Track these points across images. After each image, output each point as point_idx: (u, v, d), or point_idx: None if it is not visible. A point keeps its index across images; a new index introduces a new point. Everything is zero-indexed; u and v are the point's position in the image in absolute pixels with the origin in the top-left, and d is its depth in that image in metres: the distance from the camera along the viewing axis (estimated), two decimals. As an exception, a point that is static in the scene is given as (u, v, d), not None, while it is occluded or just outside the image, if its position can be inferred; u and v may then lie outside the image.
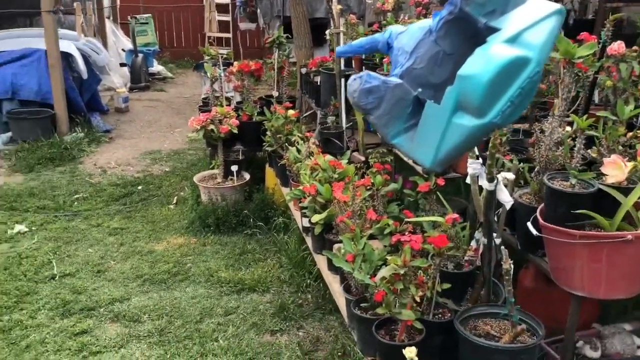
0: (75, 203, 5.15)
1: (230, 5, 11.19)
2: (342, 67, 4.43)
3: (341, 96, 4.40)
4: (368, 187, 3.15)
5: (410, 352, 1.99)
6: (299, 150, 4.03)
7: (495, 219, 2.28)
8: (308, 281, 3.69)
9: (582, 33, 2.85)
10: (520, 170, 2.63)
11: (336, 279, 3.05)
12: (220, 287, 3.80)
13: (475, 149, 2.20)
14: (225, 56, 5.94)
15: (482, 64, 1.71)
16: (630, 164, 2.17)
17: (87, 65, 7.35)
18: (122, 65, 9.58)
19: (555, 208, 2.23)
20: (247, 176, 4.94)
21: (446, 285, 2.34)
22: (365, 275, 2.50)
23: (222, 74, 5.20)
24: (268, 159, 4.82)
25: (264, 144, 4.58)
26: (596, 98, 3.32)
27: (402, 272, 2.21)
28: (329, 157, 3.65)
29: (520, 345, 2.02)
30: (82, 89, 7.30)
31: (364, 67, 4.61)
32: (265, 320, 3.43)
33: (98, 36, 9.51)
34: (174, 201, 5.18)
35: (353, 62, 4.88)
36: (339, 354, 3.05)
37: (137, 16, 10.09)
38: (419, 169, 3.25)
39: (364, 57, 4.74)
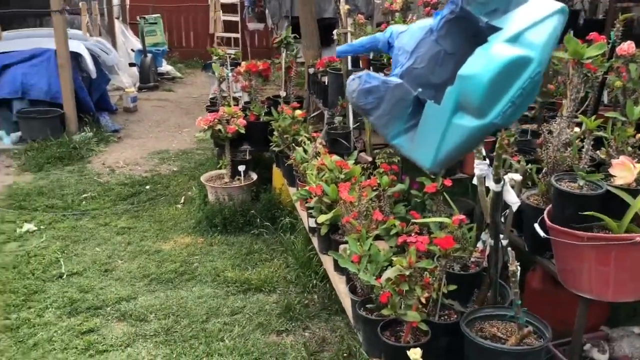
0: (84, 202, 5.17)
1: (238, 5, 11.22)
2: (350, 67, 4.42)
3: (348, 96, 4.38)
4: (374, 188, 3.14)
5: (414, 353, 1.98)
6: (305, 151, 4.03)
7: (503, 220, 2.26)
8: (314, 281, 3.68)
9: (591, 33, 2.83)
10: (528, 172, 2.61)
11: (342, 280, 3.05)
12: (226, 286, 3.80)
13: (483, 150, 2.18)
14: (233, 56, 5.95)
15: (482, 63, 1.69)
16: (639, 165, 2.15)
17: (96, 65, 7.39)
18: (131, 65, 9.62)
19: (563, 209, 2.22)
20: (254, 176, 4.94)
21: (452, 287, 2.32)
22: (370, 276, 2.49)
23: (230, 74, 5.21)
24: (275, 159, 4.82)
25: (271, 144, 4.58)
26: (605, 99, 3.29)
27: (407, 273, 2.20)
28: (335, 157, 3.65)
29: (527, 348, 2.00)
30: (91, 88, 7.34)
31: (371, 67, 4.60)
32: (271, 320, 3.43)
33: (108, 36, 9.57)
34: (182, 201, 5.19)
35: (361, 62, 4.88)
36: (345, 355, 3.04)
37: (146, 16, 10.13)
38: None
39: (371, 57, 4.74)
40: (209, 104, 6.07)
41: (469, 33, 1.82)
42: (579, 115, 2.57)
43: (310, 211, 3.47)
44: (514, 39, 1.72)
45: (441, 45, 1.85)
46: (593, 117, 2.45)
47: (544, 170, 2.58)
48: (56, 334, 3.30)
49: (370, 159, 3.88)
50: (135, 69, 9.57)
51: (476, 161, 2.17)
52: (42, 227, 4.66)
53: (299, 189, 3.71)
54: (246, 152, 5.08)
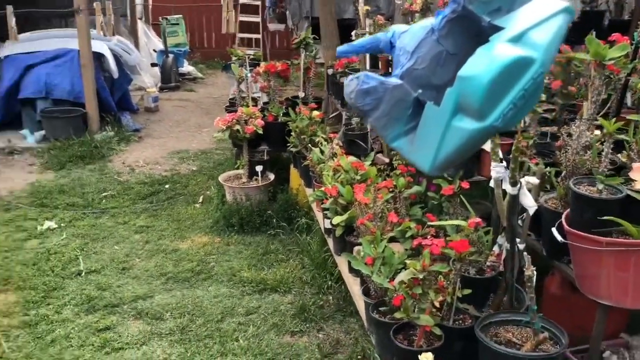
0: (104, 201, 5.24)
1: (260, 6, 11.26)
2: (368, 68, 4.40)
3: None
4: (390, 190, 3.12)
5: (426, 357, 1.95)
6: (322, 151, 4.02)
7: (520, 223, 2.22)
8: (329, 283, 3.67)
9: (614, 34, 2.77)
10: (546, 175, 2.56)
11: (357, 282, 3.03)
12: (242, 286, 3.81)
13: (500, 152, 2.15)
14: (252, 57, 5.97)
15: (483, 64, 1.65)
16: (661, 170, 2.10)
17: (119, 65, 7.47)
18: (153, 65, 9.71)
19: (582, 214, 2.17)
20: (271, 176, 4.95)
21: (467, 291, 2.29)
22: (384, 278, 2.47)
23: (249, 75, 5.22)
24: (292, 159, 4.82)
25: (289, 144, 4.59)
26: (629, 101, 3.22)
27: (421, 276, 2.18)
28: (351, 158, 3.63)
29: (543, 354, 1.97)
30: (113, 88, 7.43)
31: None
32: (285, 321, 3.43)
33: (130, 36, 9.67)
34: (200, 200, 5.22)
35: (380, 62, 4.85)
36: (359, 357, 3.02)
37: (168, 17, 10.22)
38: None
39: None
40: (228, 104, 6.10)
41: (471, 33, 1.78)
42: (599, 117, 2.52)
43: (325, 212, 3.46)
44: (517, 39, 1.67)
45: (443, 45, 1.82)
46: (613, 120, 2.39)
47: (562, 174, 2.53)
48: (73, 330, 3.34)
49: (387, 160, 3.85)
50: (157, 69, 9.66)
51: (493, 164, 2.14)
52: (62, 224, 4.73)
53: (315, 189, 3.70)
54: (264, 153, 5.09)
